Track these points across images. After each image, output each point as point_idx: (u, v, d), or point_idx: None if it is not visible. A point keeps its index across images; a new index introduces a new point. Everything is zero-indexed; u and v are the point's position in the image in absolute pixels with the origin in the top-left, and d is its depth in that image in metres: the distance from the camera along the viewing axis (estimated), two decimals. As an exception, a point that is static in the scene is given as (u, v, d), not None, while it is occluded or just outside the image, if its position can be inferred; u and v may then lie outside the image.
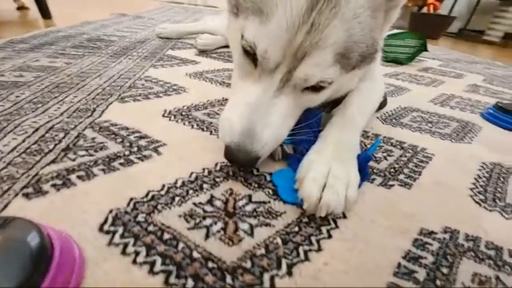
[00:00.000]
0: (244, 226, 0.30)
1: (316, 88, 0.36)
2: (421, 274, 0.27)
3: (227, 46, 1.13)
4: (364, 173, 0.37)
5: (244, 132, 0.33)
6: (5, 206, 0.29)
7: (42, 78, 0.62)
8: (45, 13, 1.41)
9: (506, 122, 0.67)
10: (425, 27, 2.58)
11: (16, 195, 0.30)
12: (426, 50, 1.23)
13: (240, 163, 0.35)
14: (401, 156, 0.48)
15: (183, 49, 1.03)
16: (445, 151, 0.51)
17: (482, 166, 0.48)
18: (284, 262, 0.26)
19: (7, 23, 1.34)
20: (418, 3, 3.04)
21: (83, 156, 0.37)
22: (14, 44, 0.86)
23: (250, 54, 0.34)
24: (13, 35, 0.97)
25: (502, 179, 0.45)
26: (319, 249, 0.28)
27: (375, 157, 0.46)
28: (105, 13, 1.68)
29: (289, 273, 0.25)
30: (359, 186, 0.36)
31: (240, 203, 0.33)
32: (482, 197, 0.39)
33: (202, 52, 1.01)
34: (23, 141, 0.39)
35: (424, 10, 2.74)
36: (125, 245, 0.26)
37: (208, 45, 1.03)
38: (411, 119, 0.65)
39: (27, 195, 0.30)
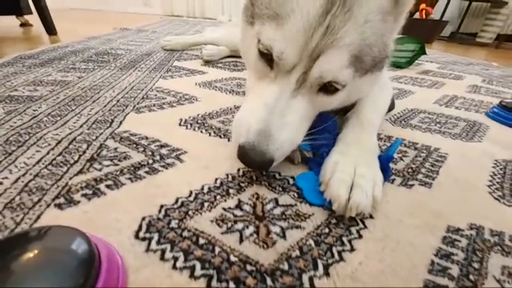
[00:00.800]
0: (275, 229, 0.30)
1: (330, 91, 0.37)
2: (454, 270, 0.27)
3: (230, 56, 1.15)
4: (387, 173, 0.38)
5: (261, 132, 0.33)
6: (38, 217, 0.29)
7: (57, 92, 0.63)
8: (50, 29, 1.44)
9: (509, 119, 0.68)
10: (418, 32, 2.64)
11: (48, 205, 0.30)
12: (424, 53, 1.26)
13: (254, 164, 0.34)
14: (416, 156, 0.48)
15: (188, 60, 1.05)
16: (458, 151, 0.52)
17: (496, 164, 0.49)
18: (320, 263, 0.26)
19: (11, 39, 1.36)
20: (410, 10, 3.13)
21: (108, 166, 0.38)
22: (24, 59, 0.87)
23: (266, 57, 0.36)
24: (18, 51, 0.98)
25: (517, 175, 0.45)
26: (352, 249, 0.28)
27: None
28: (107, 28, 1.71)
29: (327, 273, 0.26)
30: None
31: (268, 207, 0.33)
32: (500, 193, 0.40)
33: (208, 63, 1.03)
34: (48, 153, 0.40)
35: (417, 15, 2.82)
36: (163, 251, 0.26)
37: (213, 56, 1.05)
38: (420, 120, 0.66)
39: (59, 206, 0.30)
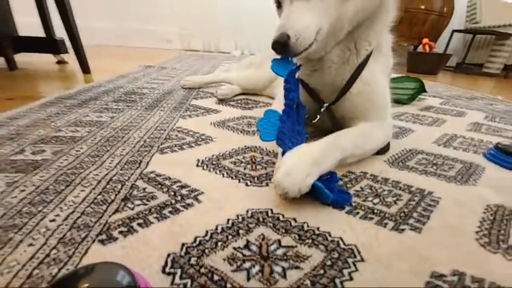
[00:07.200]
0: (277, 269, 0.35)
1: None
2: (435, 314, 0.31)
3: (242, 94, 1.27)
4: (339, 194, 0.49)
5: (279, 29, 0.56)
6: (86, 251, 0.36)
7: (94, 132, 0.73)
8: (85, 68, 1.64)
9: (506, 161, 0.71)
10: (423, 65, 2.76)
11: (94, 241, 0.37)
12: (425, 91, 1.33)
13: (278, 42, 0.55)
14: (409, 200, 0.53)
15: (205, 98, 1.17)
16: (451, 195, 0.56)
17: (487, 209, 0.52)
18: (315, 302, 0.31)
19: (48, 77, 1.55)
20: (414, 43, 3.29)
21: (139, 205, 0.45)
22: (64, 100, 1.01)
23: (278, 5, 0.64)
24: (56, 89, 1.14)
25: (505, 221, 0.49)
26: (344, 290, 0.33)
27: (385, 201, 0.52)
28: (133, 65, 1.91)
29: (320, 311, 0.30)
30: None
31: (272, 247, 0.39)
32: (486, 240, 0.44)
33: (221, 101, 1.14)
34: (90, 192, 0.48)
35: (420, 48, 2.95)
36: (185, 286, 0.32)
37: (227, 95, 1.17)
38: (417, 161, 0.71)
39: (102, 241, 0.37)
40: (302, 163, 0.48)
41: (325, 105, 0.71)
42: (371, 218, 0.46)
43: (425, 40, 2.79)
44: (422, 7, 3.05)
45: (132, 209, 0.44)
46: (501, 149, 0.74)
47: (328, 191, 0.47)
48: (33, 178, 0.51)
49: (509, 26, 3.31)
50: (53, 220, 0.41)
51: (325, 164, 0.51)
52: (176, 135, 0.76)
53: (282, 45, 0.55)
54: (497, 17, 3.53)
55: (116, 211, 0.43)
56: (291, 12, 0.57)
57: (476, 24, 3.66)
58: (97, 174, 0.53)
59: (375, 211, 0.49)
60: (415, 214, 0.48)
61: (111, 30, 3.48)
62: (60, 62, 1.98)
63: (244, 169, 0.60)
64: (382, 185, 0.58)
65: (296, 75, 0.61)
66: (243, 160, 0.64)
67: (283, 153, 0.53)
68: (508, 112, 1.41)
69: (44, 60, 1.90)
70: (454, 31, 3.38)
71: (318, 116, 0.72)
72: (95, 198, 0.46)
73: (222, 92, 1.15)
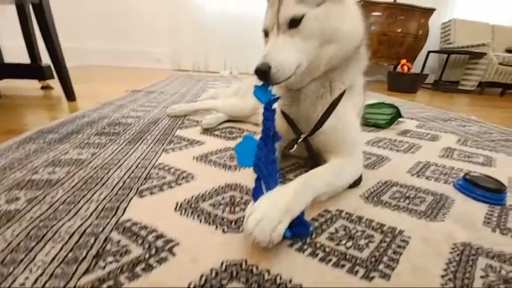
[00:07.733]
0: (247, 332, 0.36)
1: (295, 23, 0.61)
2: None
3: (227, 121, 1.30)
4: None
5: (263, 57, 0.60)
6: (51, 322, 0.35)
7: (72, 173, 0.73)
8: (70, 95, 1.63)
9: (473, 193, 0.75)
10: (402, 85, 2.90)
11: (60, 310, 0.37)
12: (401, 117, 1.40)
13: (260, 69, 0.59)
14: (381, 241, 0.55)
15: (190, 128, 1.18)
16: (420, 233, 0.58)
17: (453, 248, 0.54)
18: None
19: (33, 105, 1.52)
20: (393, 63, 3.47)
21: (111, 262, 0.45)
22: (44, 134, 1.00)
23: (266, 34, 0.68)
24: (39, 119, 1.11)
25: (471, 261, 0.51)
26: None
27: (358, 244, 0.53)
28: (120, 89, 1.92)
29: None
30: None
31: (243, 307, 0.39)
32: (451, 285, 0.46)
33: (206, 130, 1.16)
34: (61, 249, 0.47)
35: (399, 69, 3.11)
36: None
37: (211, 124, 1.19)
38: (391, 195, 0.74)
39: (68, 311, 0.37)
40: (274, 210, 0.49)
41: (302, 136, 0.75)
42: (343, 266, 0.48)
43: (403, 61, 2.95)
44: (399, 30, 3.26)
45: (104, 268, 0.44)
46: (469, 181, 0.79)
47: (288, 232, 0.50)
48: (6, 232, 0.50)
49: (482, 45, 3.56)
50: (23, 284, 0.40)
51: (297, 208, 0.52)
52: (157, 173, 0.76)
53: (263, 73, 0.60)
54: (470, 37, 3.80)
55: (87, 271, 0.43)
56: (276, 44, 0.62)
57: (450, 45, 3.92)
58: (70, 226, 0.52)
59: (347, 256, 0.50)
60: (385, 258, 0.50)
61: (102, 51, 3.50)
62: (45, 87, 1.96)
63: (223, 212, 0.61)
64: (356, 225, 0.60)
65: (274, 106, 0.65)
66: (222, 201, 0.65)
67: (257, 179, 0.56)
68: (480, 133, 1.49)
69: (28, 86, 1.89)
70: (429, 51, 3.60)
71: (296, 146, 0.75)
72: (66, 256, 0.45)
73: (207, 121, 1.17)
